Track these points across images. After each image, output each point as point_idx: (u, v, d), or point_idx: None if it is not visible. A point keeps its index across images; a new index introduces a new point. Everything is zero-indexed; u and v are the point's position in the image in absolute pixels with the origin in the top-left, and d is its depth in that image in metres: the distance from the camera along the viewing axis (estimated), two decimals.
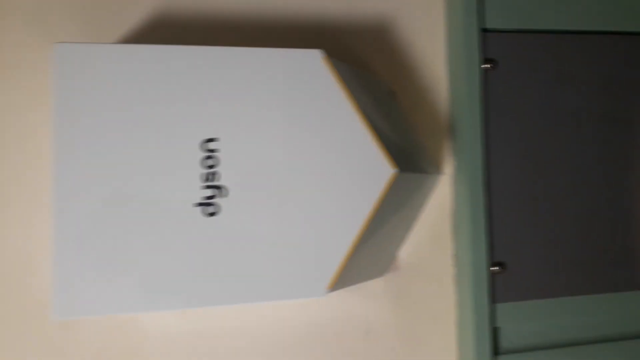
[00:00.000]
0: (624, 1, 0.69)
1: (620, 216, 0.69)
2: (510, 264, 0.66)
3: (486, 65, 0.66)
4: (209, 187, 0.51)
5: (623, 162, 0.69)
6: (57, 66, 0.50)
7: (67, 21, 0.61)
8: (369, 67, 0.68)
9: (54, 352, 0.59)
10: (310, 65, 0.54)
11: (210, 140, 0.52)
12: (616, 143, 0.69)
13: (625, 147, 0.69)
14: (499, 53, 0.66)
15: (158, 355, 0.61)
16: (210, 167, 0.51)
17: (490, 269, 0.65)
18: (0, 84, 0.60)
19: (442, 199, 0.69)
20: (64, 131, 0.49)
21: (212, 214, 0.51)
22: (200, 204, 0.51)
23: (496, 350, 0.66)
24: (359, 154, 0.54)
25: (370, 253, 0.60)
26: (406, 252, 0.68)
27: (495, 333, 0.66)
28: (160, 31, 0.63)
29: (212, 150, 0.52)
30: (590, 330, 0.70)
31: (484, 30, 0.66)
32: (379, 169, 0.54)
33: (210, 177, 0.51)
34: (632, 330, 0.71)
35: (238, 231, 0.52)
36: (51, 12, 0.61)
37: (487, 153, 0.65)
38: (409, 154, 0.62)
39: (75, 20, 0.61)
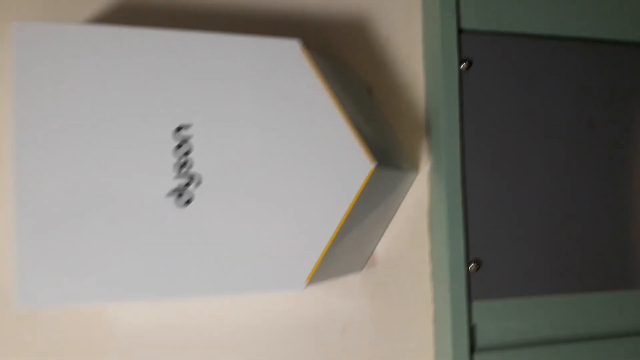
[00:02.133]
0: (602, 8, 0.71)
1: (597, 216, 0.70)
2: (487, 261, 0.66)
3: (462, 65, 0.66)
4: (182, 175, 0.49)
5: (599, 162, 0.70)
6: (16, 46, 0.46)
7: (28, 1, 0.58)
8: (345, 61, 0.67)
9: (17, 345, 0.55)
10: (288, 55, 0.53)
11: (183, 127, 0.49)
12: (592, 144, 0.70)
13: (601, 148, 0.71)
14: (474, 54, 0.67)
15: (125, 348, 0.58)
16: (183, 155, 0.49)
17: (468, 267, 0.64)
18: None
19: (420, 196, 0.69)
20: (25, 116, 0.46)
21: (184, 204, 0.49)
22: (173, 193, 0.48)
23: (473, 348, 0.66)
24: (338, 147, 0.53)
25: (348, 247, 0.58)
26: (384, 248, 0.67)
27: (472, 331, 0.66)
28: (130, 13, 0.60)
29: (184, 138, 0.49)
30: (568, 329, 0.70)
31: (460, 30, 0.66)
32: (358, 163, 0.53)
33: (182, 165, 0.49)
34: (608, 331, 0.72)
35: (211, 222, 0.49)
36: None
37: (463, 152, 0.65)
38: (386, 150, 0.61)
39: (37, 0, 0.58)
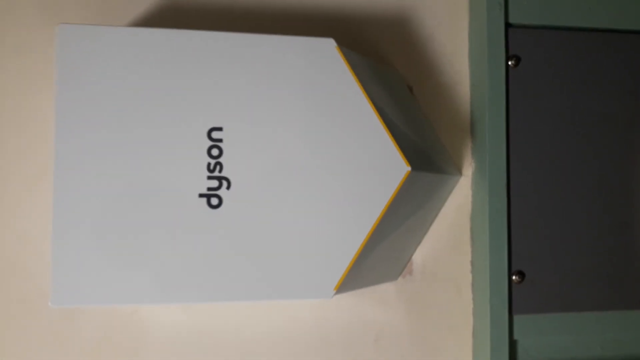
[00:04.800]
0: None
1: None
2: (531, 273, 0.62)
3: (509, 62, 0.63)
4: (213, 177, 0.49)
5: None
6: (59, 48, 0.48)
7: (77, 3, 0.60)
8: (386, 59, 0.66)
9: (54, 341, 0.58)
10: (323, 54, 0.52)
11: (216, 129, 0.49)
12: None
13: None
14: (522, 50, 0.64)
15: (158, 348, 0.59)
16: (215, 157, 0.49)
17: (510, 278, 0.61)
18: (7, 64, 0.59)
19: (462, 201, 0.66)
20: (66, 115, 0.47)
21: (215, 206, 0.49)
22: (204, 195, 0.48)
23: None
24: (372, 149, 0.51)
25: (382, 254, 0.57)
26: (421, 255, 0.65)
27: (513, 346, 0.63)
28: (171, 16, 0.61)
29: (217, 140, 0.49)
30: (616, 348, 0.66)
31: (508, 26, 0.63)
32: (393, 166, 0.51)
33: (214, 167, 0.49)
34: None
35: (242, 225, 0.49)
36: None
37: (509, 154, 0.62)
38: (426, 152, 0.59)
39: (85, 2, 0.60)
